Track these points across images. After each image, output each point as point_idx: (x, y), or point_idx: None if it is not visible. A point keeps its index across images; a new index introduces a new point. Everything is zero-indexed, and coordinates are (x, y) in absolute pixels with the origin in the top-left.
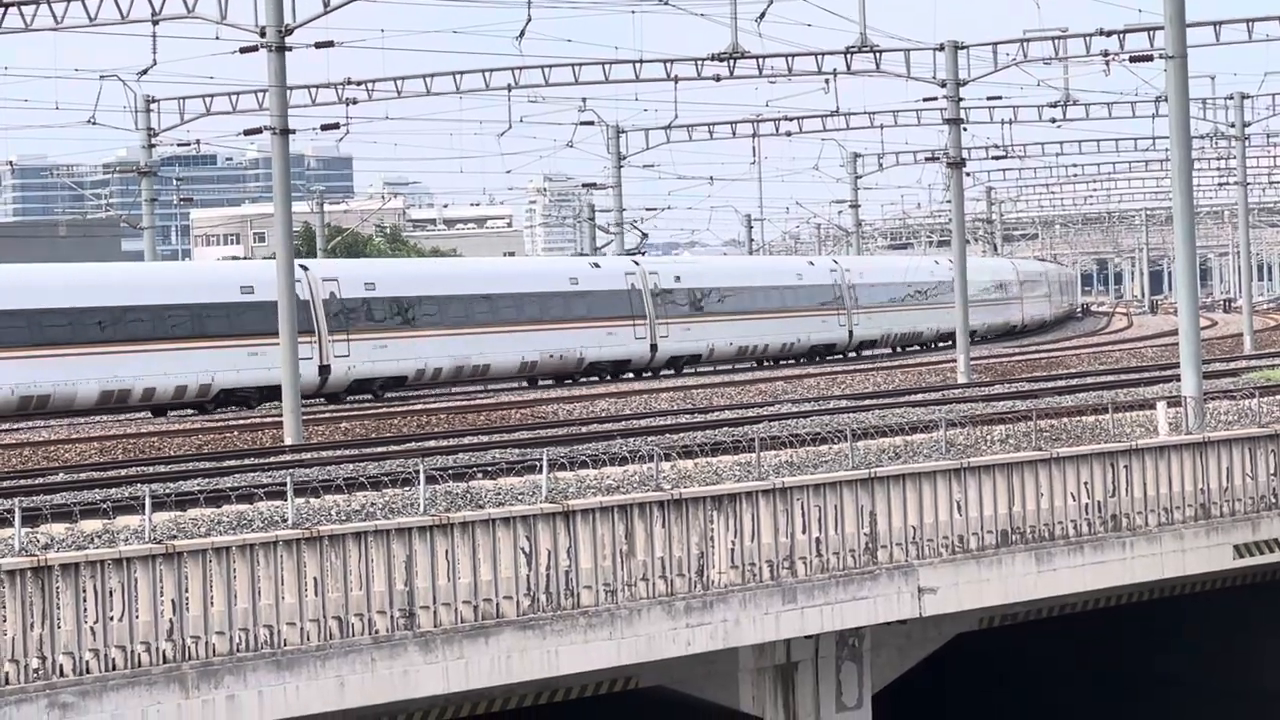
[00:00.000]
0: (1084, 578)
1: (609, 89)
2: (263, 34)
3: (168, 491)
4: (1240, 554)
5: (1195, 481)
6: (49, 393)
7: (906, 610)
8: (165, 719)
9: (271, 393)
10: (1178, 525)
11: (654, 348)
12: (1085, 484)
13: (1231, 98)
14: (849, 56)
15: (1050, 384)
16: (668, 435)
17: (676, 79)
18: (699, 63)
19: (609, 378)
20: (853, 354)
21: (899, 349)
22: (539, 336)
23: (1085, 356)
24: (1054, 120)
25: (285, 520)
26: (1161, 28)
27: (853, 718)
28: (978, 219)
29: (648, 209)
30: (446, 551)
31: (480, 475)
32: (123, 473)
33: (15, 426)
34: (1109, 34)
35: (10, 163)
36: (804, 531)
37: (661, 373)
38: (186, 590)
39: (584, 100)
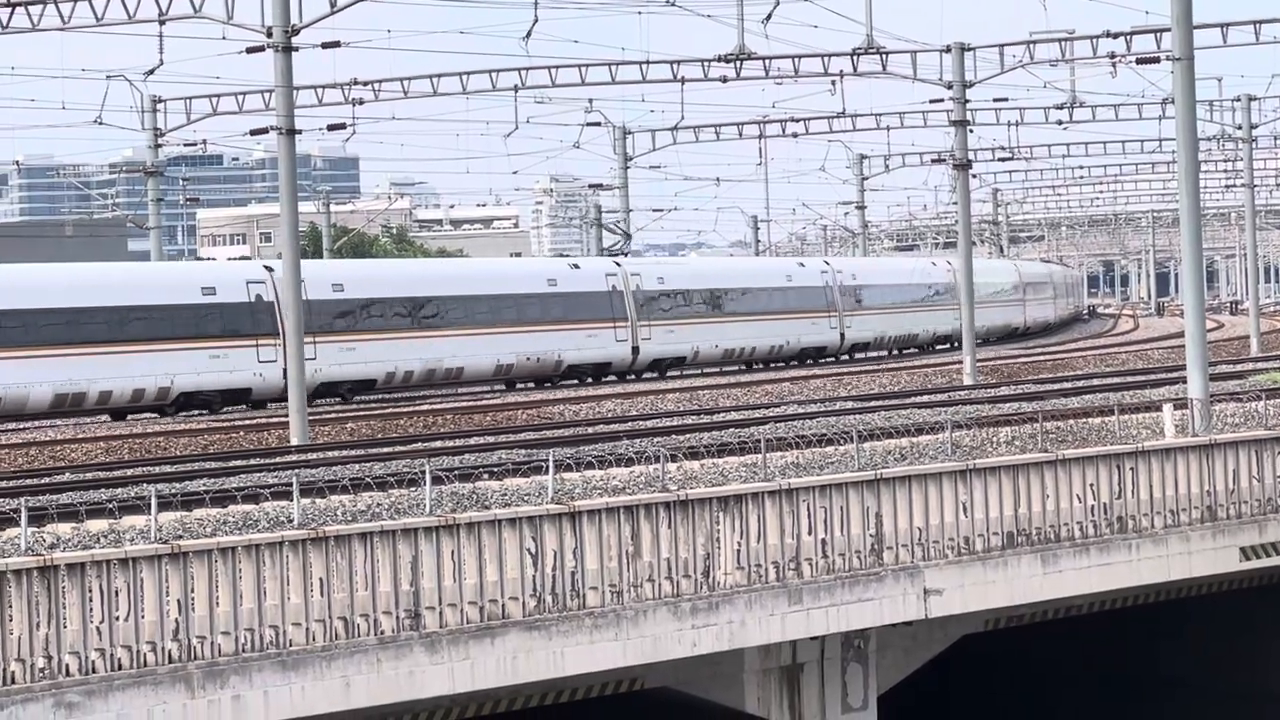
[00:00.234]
0: (1090, 580)
1: (615, 90)
2: (269, 34)
3: (173, 491)
4: (1246, 556)
5: (1201, 484)
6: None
7: (912, 612)
8: (171, 719)
9: (234, 396)
10: (1184, 527)
11: (636, 350)
12: (1091, 486)
13: (1238, 99)
14: (855, 58)
15: (1056, 386)
16: (674, 436)
17: (683, 80)
18: (705, 64)
19: (591, 380)
20: (845, 357)
21: (894, 352)
22: (515, 339)
23: (1091, 358)
24: (1060, 122)
25: (291, 520)
26: (1168, 29)
27: (858, 719)
28: (984, 221)
29: (654, 210)
30: (452, 552)
31: (486, 476)
32: (129, 473)
33: (21, 426)
34: (1116, 36)
35: (17, 162)
36: (810, 533)
37: (644, 375)
38: (192, 590)
39: (590, 101)
